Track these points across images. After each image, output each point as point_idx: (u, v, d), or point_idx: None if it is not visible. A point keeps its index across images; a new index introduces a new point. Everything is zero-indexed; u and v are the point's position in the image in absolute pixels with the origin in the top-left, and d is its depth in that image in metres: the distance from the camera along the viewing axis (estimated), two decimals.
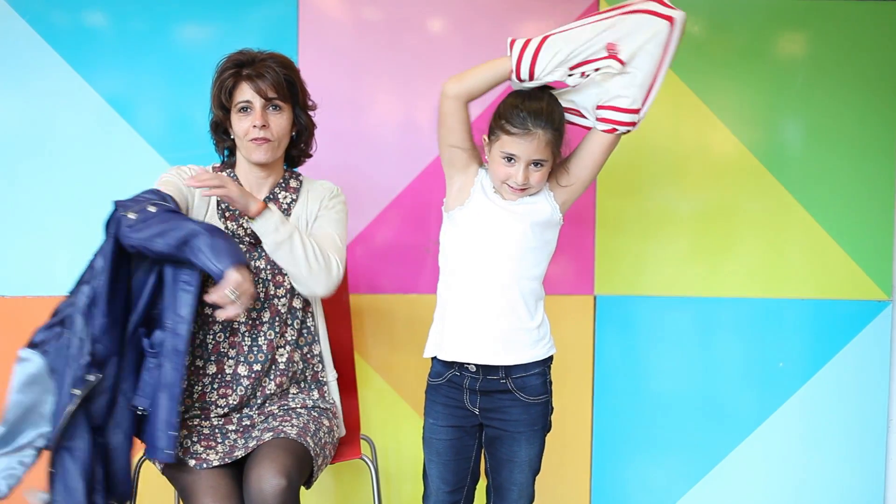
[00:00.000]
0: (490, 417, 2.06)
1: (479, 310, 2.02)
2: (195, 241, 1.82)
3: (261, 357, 2.08)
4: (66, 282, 2.61)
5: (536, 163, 1.97)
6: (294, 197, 2.14)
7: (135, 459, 2.02)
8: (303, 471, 1.93)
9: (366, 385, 2.71)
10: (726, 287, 2.78)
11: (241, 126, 2.04)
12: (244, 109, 2.04)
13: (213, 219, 2.08)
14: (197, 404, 2.08)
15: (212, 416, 2.08)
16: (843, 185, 2.76)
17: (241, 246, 2.03)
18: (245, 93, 2.03)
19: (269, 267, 2.08)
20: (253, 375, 2.08)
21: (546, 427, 2.13)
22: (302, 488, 1.96)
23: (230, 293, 1.80)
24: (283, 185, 2.14)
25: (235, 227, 2.08)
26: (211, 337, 2.07)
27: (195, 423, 2.06)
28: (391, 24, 2.70)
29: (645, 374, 2.79)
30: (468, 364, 2.03)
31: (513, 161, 1.96)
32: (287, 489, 1.83)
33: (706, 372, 2.79)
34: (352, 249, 2.69)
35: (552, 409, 2.14)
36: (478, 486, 2.17)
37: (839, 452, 2.81)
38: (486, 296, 2.01)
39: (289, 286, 2.10)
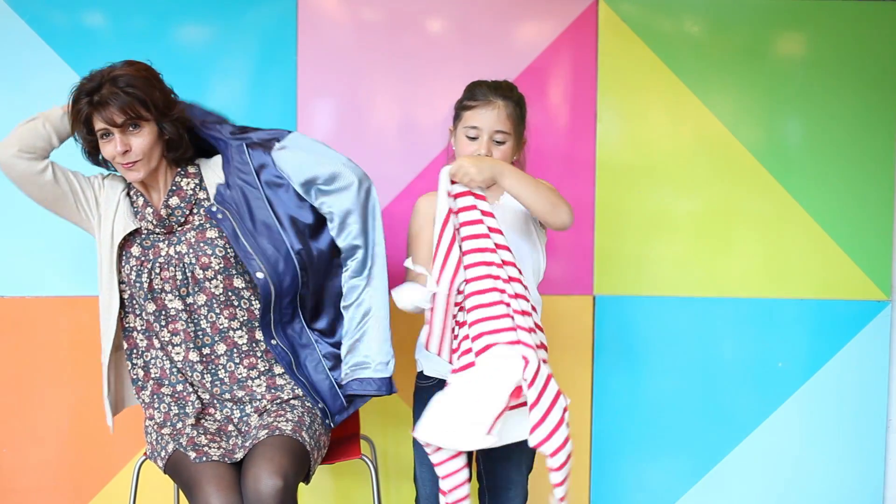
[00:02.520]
0: None
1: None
2: None
3: (207, 340, 2.09)
4: (66, 282, 2.63)
5: (499, 141, 2.01)
6: (197, 181, 2.12)
7: (135, 459, 2.02)
8: (300, 468, 1.94)
9: None
10: (726, 287, 2.78)
11: (107, 152, 2.02)
12: (105, 136, 2.01)
13: (125, 217, 2.09)
14: (175, 406, 2.10)
15: (204, 398, 2.10)
16: (842, 185, 2.76)
17: (156, 235, 2.09)
18: (99, 122, 2.00)
19: (190, 251, 2.08)
20: (205, 360, 2.09)
21: None
22: (301, 485, 1.96)
23: None
24: (182, 173, 2.12)
25: (146, 224, 2.09)
26: (159, 328, 2.11)
27: (202, 421, 2.07)
28: (391, 24, 2.70)
29: (645, 374, 2.79)
30: None
31: (476, 138, 2.01)
32: (283, 490, 1.84)
33: (706, 372, 2.79)
34: None
35: None
36: (471, 491, 2.17)
37: (838, 452, 2.81)
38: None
39: (217, 267, 2.08)
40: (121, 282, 2.11)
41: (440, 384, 2.05)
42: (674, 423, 2.80)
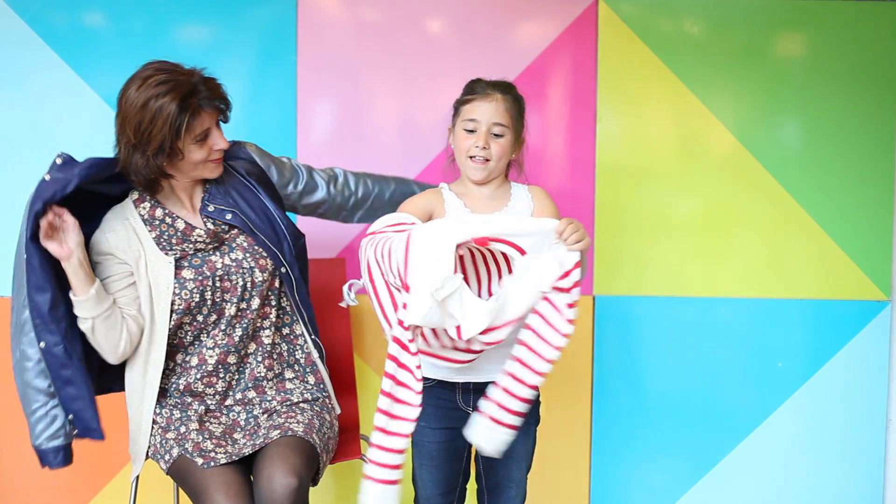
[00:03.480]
0: None
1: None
2: None
3: (246, 341, 2.10)
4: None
5: (497, 134, 2.00)
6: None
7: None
8: (311, 469, 1.94)
9: (365, 385, 2.71)
10: (726, 287, 2.78)
11: (202, 153, 1.97)
12: (204, 138, 1.97)
13: (159, 255, 2.03)
14: (177, 411, 2.09)
15: (210, 404, 2.09)
16: (842, 185, 2.76)
17: (202, 244, 2.06)
18: (204, 123, 1.96)
19: (248, 256, 2.08)
20: (241, 361, 2.11)
21: (537, 422, 2.12)
22: None
23: None
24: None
25: (193, 245, 2.05)
26: (205, 337, 2.09)
27: (206, 424, 2.07)
28: (391, 24, 2.70)
29: (644, 374, 2.79)
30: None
31: (474, 131, 2.00)
32: (298, 489, 1.85)
33: (706, 372, 2.80)
34: (352, 249, 2.70)
35: (539, 401, 2.13)
36: (468, 490, 2.17)
37: (838, 452, 2.81)
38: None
39: (270, 268, 2.09)
40: (175, 311, 2.04)
41: (438, 385, 2.05)
42: (674, 422, 2.80)
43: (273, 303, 2.12)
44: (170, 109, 1.89)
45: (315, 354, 2.19)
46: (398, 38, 2.70)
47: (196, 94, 1.93)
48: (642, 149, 2.75)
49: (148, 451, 2.09)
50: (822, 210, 2.76)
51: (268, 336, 2.11)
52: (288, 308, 2.16)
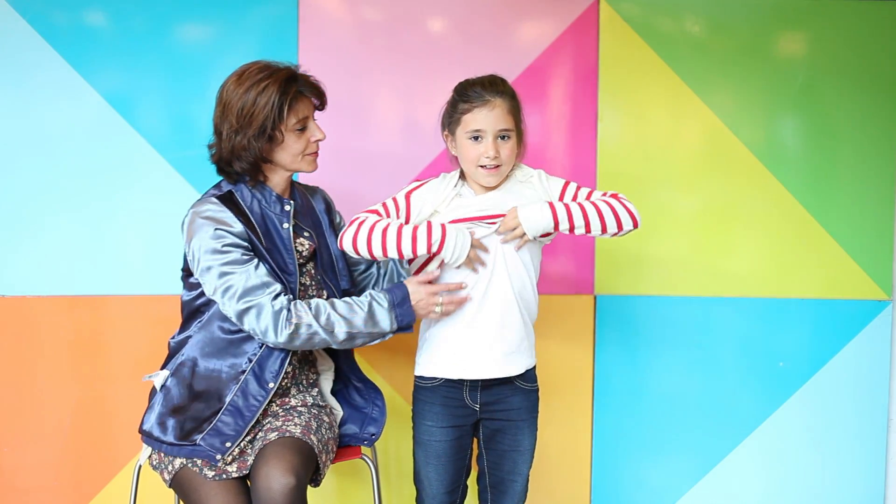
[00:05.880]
0: (492, 410, 2.06)
1: (480, 328, 2.02)
2: None
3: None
4: (66, 282, 2.62)
5: (503, 135, 1.99)
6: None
7: (135, 459, 2.01)
8: (309, 468, 1.93)
9: None
10: (726, 287, 2.78)
11: (300, 145, 2.05)
12: (303, 128, 2.06)
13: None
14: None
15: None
16: (843, 185, 2.76)
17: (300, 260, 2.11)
18: (302, 111, 2.04)
19: (312, 283, 2.14)
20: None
21: (538, 416, 2.14)
22: (308, 487, 1.96)
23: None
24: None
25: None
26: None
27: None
28: (391, 24, 2.70)
29: (645, 373, 2.79)
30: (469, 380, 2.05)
31: (480, 138, 1.99)
32: (296, 488, 1.84)
33: (706, 372, 2.79)
34: None
35: (538, 397, 2.15)
36: (469, 490, 2.18)
37: (839, 452, 2.81)
38: (487, 313, 2.02)
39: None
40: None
41: (444, 384, 2.05)
42: (675, 422, 2.80)
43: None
44: (271, 92, 1.98)
45: (324, 366, 2.23)
46: (399, 38, 2.70)
47: (296, 81, 2.03)
48: (643, 148, 2.75)
49: (150, 460, 2.07)
50: (823, 209, 2.76)
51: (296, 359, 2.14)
52: None
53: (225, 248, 1.94)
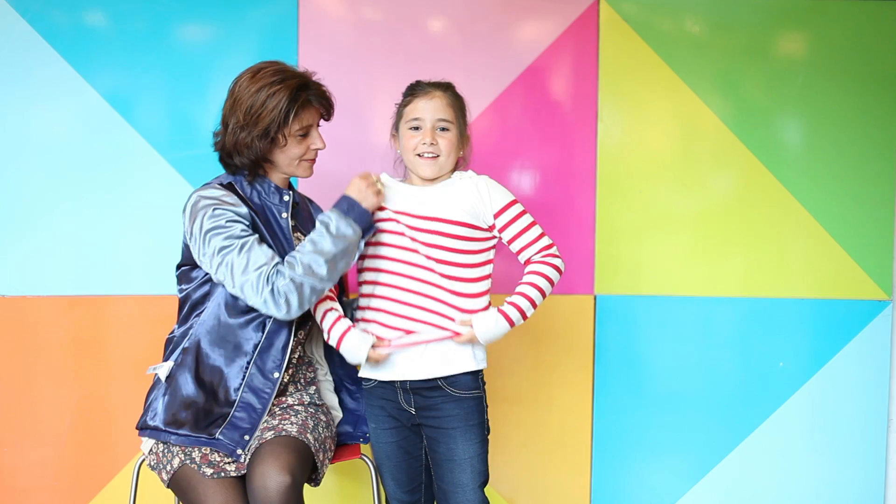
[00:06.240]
0: (426, 416, 2.04)
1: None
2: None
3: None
4: (66, 282, 2.63)
5: (442, 126, 2.02)
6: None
7: (135, 459, 2.01)
8: (305, 467, 1.93)
9: None
10: (726, 287, 2.78)
11: (300, 150, 2.08)
12: (307, 134, 2.09)
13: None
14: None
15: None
16: (843, 185, 2.76)
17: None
18: (307, 119, 2.07)
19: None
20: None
21: (483, 425, 2.07)
22: (308, 487, 1.95)
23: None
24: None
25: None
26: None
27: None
28: (391, 24, 2.70)
29: (645, 373, 2.79)
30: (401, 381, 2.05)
31: (419, 128, 2.02)
32: (291, 486, 1.83)
33: (706, 371, 2.79)
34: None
35: (486, 406, 2.10)
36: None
37: (839, 452, 2.81)
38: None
39: None
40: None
41: (379, 385, 2.07)
42: (675, 422, 2.79)
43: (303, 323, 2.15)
44: (281, 97, 2.01)
45: (321, 374, 2.23)
46: (399, 38, 2.70)
47: (307, 89, 2.06)
48: (643, 148, 2.75)
49: (149, 462, 2.06)
50: (823, 209, 2.76)
51: (296, 353, 2.13)
52: (306, 328, 2.17)
53: (228, 224, 1.96)
